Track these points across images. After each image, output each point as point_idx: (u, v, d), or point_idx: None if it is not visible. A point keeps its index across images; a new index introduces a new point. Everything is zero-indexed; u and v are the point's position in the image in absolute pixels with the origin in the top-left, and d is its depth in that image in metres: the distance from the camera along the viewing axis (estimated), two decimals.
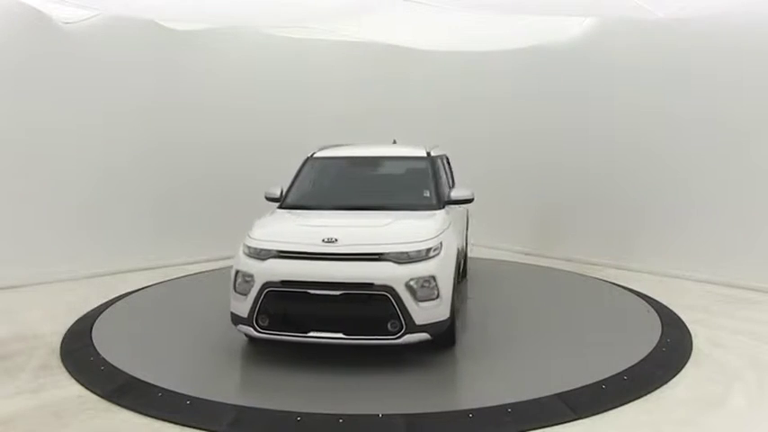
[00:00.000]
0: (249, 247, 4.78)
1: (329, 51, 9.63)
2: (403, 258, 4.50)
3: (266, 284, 4.56)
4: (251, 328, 4.67)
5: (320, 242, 4.61)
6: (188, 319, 5.83)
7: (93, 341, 5.28)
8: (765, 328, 5.69)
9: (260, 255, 4.70)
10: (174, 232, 8.49)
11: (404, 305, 4.42)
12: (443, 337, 4.82)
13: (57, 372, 4.70)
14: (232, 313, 4.80)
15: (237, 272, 4.76)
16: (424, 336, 4.52)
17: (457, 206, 6.18)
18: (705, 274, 7.40)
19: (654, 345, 5.10)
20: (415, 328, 4.46)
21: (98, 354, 4.97)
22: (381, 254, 4.51)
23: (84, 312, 6.16)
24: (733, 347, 5.18)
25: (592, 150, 8.61)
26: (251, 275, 4.64)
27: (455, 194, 5.59)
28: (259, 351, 5.02)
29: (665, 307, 6.30)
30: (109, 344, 5.20)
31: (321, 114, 9.46)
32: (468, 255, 7.73)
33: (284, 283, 4.55)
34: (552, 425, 3.79)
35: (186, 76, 8.75)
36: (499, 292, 7.04)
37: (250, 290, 4.61)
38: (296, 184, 6.01)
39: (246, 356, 4.94)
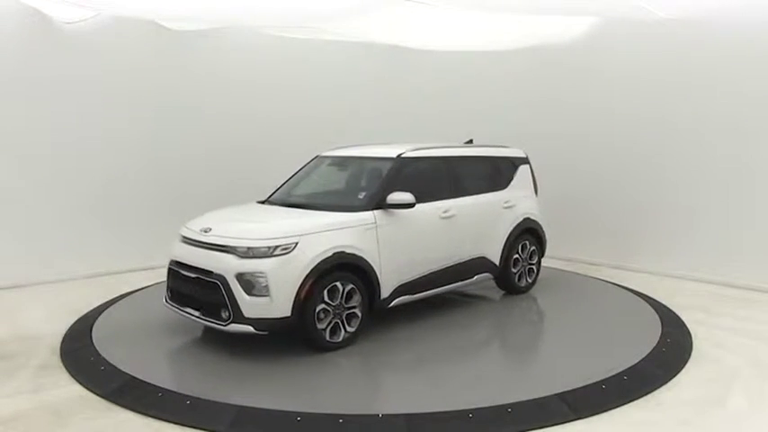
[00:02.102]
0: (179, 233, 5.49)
1: (329, 52, 9.63)
2: (247, 253, 4.75)
3: (170, 262, 5.33)
4: (164, 298, 5.49)
5: (199, 231, 5.15)
6: (188, 319, 5.82)
7: (94, 341, 5.28)
8: (765, 328, 5.69)
9: (179, 238, 5.39)
10: (175, 232, 8.46)
11: (233, 296, 4.70)
12: (303, 337, 4.96)
13: (57, 372, 4.71)
14: None
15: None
16: (249, 328, 4.72)
17: (484, 209, 6.23)
18: (705, 274, 7.40)
19: (654, 345, 5.10)
20: (242, 320, 4.72)
21: (98, 354, 4.97)
22: (229, 246, 4.83)
23: (84, 312, 6.16)
24: (733, 347, 5.18)
25: (591, 150, 8.61)
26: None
27: (391, 198, 5.35)
28: (259, 351, 5.02)
29: (665, 307, 6.30)
30: (109, 344, 5.20)
31: (322, 114, 9.46)
32: (523, 267, 6.85)
33: (174, 262, 5.27)
34: (552, 425, 3.79)
35: (186, 76, 8.75)
36: (498, 291, 7.02)
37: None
38: (288, 181, 6.36)
39: (247, 356, 4.94)
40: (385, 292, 5.40)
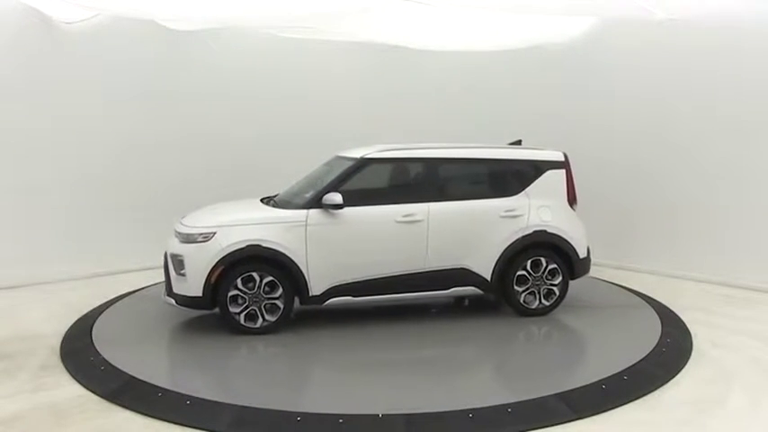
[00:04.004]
0: None
1: (330, 52, 9.62)
2: (186, 238, 5.41)
3: None
4: None
5: (178, 221, 5.77)
6: (188, 319, 5.84)
7: (93, 341, 5.28)
8: (765, 328, 5.69)
9: None
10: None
11: (169, 273, 5.50)
12: (226, 315, 5.38)
13: (57, 372, 4.71)
14: None
15: None
16: (172, 301, 5.47)
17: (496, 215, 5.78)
18: (705, 274, 7.40)
19: (654, 345, 5.10)
20: (171, 294, 5.50)
21: (98, 354, 4.97)
22: (178, 232, 5.55)
23: (84, 312, 6.16)
24: (733, 347, 5.18)
25: (591, 150, 8.59)
26: None
27: (325, 199, 5.42)
28: (259, 351, 5.03)
29: (665, 307, 6.30)
30: (109, 344, 5.20)
31: (321, 115, 9.45)
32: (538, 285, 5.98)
33: None
34: (552, 425, 3.79)
35: (186, 76, 8.75)
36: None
37: None
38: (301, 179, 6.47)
39: (246, 356, 4.95)
40: (316, 290, 5.49)
